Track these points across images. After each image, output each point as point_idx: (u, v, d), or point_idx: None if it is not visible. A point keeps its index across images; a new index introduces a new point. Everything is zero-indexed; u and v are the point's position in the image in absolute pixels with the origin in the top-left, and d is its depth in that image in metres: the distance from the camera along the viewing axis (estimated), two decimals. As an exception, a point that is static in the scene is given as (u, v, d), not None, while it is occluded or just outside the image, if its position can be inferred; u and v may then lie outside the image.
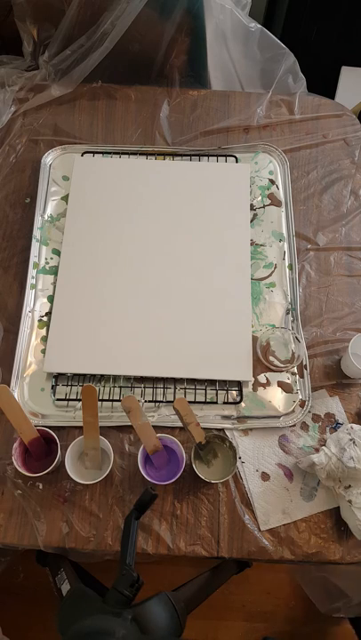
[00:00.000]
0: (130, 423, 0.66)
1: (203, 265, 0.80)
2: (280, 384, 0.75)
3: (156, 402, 0.74)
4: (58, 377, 0.75)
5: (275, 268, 0.83)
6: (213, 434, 0.69)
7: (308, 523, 0.69)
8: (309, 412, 0.74)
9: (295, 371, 0.76)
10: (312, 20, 1.36)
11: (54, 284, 0.80)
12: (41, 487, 0.70)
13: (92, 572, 0.82)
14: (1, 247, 0.84)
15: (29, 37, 0.96)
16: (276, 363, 0.76)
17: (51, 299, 0.80)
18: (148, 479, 0.66)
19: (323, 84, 1.09)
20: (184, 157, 0.90)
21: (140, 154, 0.90)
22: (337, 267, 0.83)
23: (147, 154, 0.91)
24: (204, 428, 0.69)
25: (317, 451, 0.70)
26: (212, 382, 0.75)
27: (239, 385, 0.75)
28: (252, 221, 0.85)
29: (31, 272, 0.81)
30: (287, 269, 0.83)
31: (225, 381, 0.75)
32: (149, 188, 0.86)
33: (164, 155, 0.90)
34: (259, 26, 0.93)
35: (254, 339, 0.77)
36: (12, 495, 0.69)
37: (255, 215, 0.86)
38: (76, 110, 0.95)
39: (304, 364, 0.76)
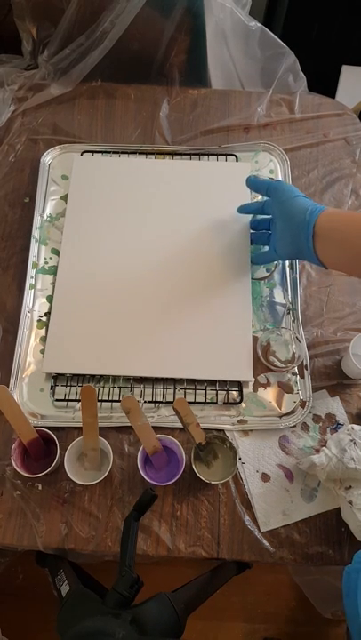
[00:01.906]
0: (129, 424, 0.66)
1: (203, 264, 0.80)
2: (280, 384, 0.75)
3: (155, 402, 0.74)
4: (57, 377, 0.75)
5: (275, 267, 0.82)
6: (213, 434, 0.69)
7: (308, 524, 0.68)
8: (310, 412, 0.74)
9: (296, 371, 0.76)
10: (312, 18, 1.36)
11: (53, 284, 0.80)
12: (40, 488, 0.70)
13: (91, 573, 0.82)
14: (0, 247, 0.84)
15: (28, 36, 0.95)
16: (277, 363, 0.75)
17: (50, 299, 0.79)
18: (148, 480, 0.66)
19: (323, 83, 1.09)
20: (184, 156, 0.90)
21: (140, 153, 0.90)
22: (337, 266, 0.83)
23: (146, 153, 0.90)
24: (204, 429, 0.69)
25: (318, 451, 0.69)
26: (212, 383, 0.75)
27: (239, 385, 0.75)
28: (252, 220, 0.84)
29: (30, 272, 0.81)
30: (288, 269, 0.82)
31: (225, 382, 0.75)
32: (149, 187, 0.86)
33: (163, 154, 0.90)
34: (259, 25, 0.92)
35: (254, 339, 0.76)
36: (11, 496, 0.69)
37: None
38: (75, 109, 0.95)
39: (305, 364, 0.76)
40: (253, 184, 0.77)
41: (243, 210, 0.80)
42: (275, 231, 0.74)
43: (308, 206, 0.66)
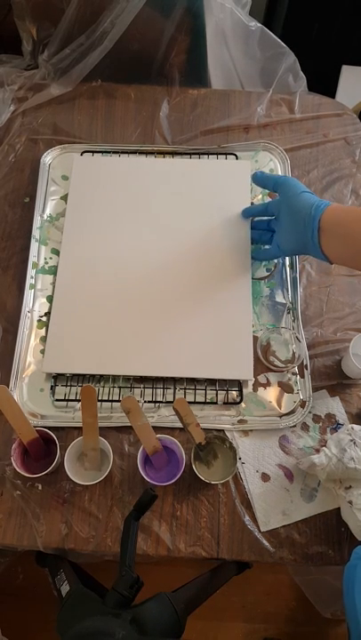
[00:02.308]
0: (129, 424, 0.66)
1: (203, 264, 0.80)
2: (280, 384, 0.75)
3: (155, 402, 0.74)
4: (57, 377, 0.75)
5: (275, 267, 0.82)
6: (213, 434, 0.69)
7: (308, 524, 0.68)
8: (310, 412, 0.74)
9: (296, 371, 0.76)
10: (312, 18, 1.36)
11: (53, 284, 0.80)
12: (40, 488, 0.70)
13: (91, 573, 0.82)
14: (0, 247, 0.84)
15: (28, 36, 0.95)
16: (277, 363, 0.75)
17: (50, 299, 0.79)
18: (148, 480, 0.66)
19: (323, 83, 1.09)
20: (184, 156, 0.90)
21: (140, 153, 0.90)
22: (337, 266, 0.83)
23: (146, 153, 0.90)
24: (204, 429, 0.69)
25: (318, 451, 0.69)
26: (212, 382, 0.75)
27: (239, 385, 0.75)
28: (252, 220, 0.84)
29: (30, 272, 0.81)
30: (288, 269, 0.82)
31: (225, 382, 0.75)
32: (148, 187, 0.85)
33: (163, 154, 0.90)
34: (259, 25, 0.92)
35: (254, 338, 0.76)
36: (12, 496, 0.69)
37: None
38: (75, 109, 0.95)
39: (305, 364, 0.76)
40: (260, 179, 0.78)
41: (247, 213, 0.81)
42: (279, 227, 0.74)
43: (314, 202, 0.68)
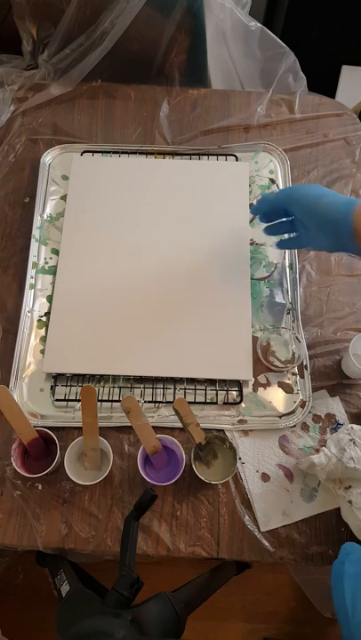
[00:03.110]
0: (129, 424, 0.66)
1: (203, 264, 0.80)
2: (280, 384, 0.75)
3: (155, 402, 0.74)
4: (57, 377, 0.75)
5: (275, 267, 0.82)
6: (213, 434, 0.69)
7: (308, 524, 0.69)
8: (310, 412, 0.74)
9: (296, 371, 0.76)
10: (312, 18, 1.35)
11: (53, 284, 0.80)
12: (40, 488, 0.70)
13: (91, 573, 0.82)
14: (0, 247, 0.84)
15: (29, 36, 0.95)
16: (277, 363, 0.75)
17: (50, 299, 0.79)
18: (148, 480, 0.66)
19: (323, 83, 1.08)
20: (184, 156, 0.90)
21: (140, 153, 0.90)
22: (337, 266, 0.83)
23: (146, 153, 0.90)
24: (204, 429, 0.69)
25: (318, 451, 0.69)
26: (211, 383, 0.75)
27: (239, 385, 0.75)
28: (251, 221, 0.84)
29: (30, 272, 0.81)
30: (287, 269, 0.82)
31: (225, 382, 0.75)
32: (148, 187, 0.86)
33: (163, 154, 0.90)
34: (259, 25, 0.92)
35: (254, 339, 0.76)
36: (12, 496, 0.69)
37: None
38: (75, 109, 0.95)
39: (305, 364, 0.76)
40: (268, 210, 0.70)
41: (255, 211, 0.73)
42: (305, 231, 0.68)
43: (339, 206, 0.62)
